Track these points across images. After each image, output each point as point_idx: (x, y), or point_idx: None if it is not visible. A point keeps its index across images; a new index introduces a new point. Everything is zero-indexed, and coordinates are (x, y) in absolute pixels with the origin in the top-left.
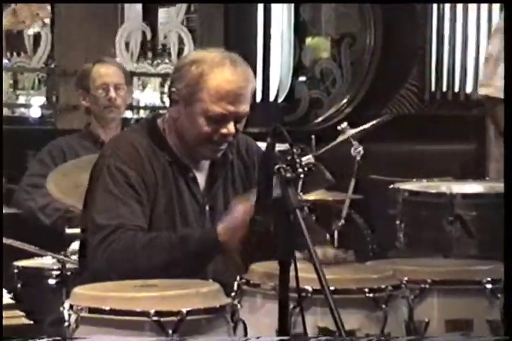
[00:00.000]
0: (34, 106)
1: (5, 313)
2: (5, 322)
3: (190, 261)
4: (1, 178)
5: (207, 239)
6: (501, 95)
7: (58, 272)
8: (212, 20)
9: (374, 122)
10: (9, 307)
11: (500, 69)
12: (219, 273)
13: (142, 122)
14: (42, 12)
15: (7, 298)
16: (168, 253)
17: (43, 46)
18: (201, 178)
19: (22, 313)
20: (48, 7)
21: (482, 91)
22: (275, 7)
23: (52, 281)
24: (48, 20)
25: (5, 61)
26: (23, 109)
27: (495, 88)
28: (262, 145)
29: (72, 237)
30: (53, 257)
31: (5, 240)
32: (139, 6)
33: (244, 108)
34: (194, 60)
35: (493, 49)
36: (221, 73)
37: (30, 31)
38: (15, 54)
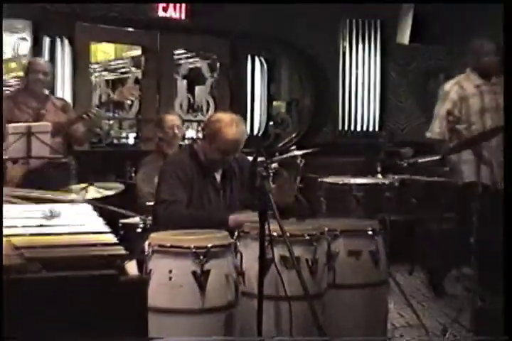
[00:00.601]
0: (130, 137)
1: (110, 248)
2: (110, 252)
3: (210, 226)
4: (1, 178)
5: (222, 221)
6: (438, 137)
7: (142, 225)
8: (224, 92)
9: (308, 150)
10: (113, 244)
11: (438, 123)
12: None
13: (185, 146)
14: (135, 92)
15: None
16: (200, 221)
17: (134, 107)
18: (218, 176)
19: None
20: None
21: (428, 135)
22: (257, 84)
23: (139, 230)
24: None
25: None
26: (124, 140)
27: (433, 133)
28: (250, 157)
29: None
30: (140, 218)
31: (115, 208)
32: (184, 84)
33: (241, 147)
34: (215, 119)
35: (439, 109)
36: (231, 130)
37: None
38: (120, 111)
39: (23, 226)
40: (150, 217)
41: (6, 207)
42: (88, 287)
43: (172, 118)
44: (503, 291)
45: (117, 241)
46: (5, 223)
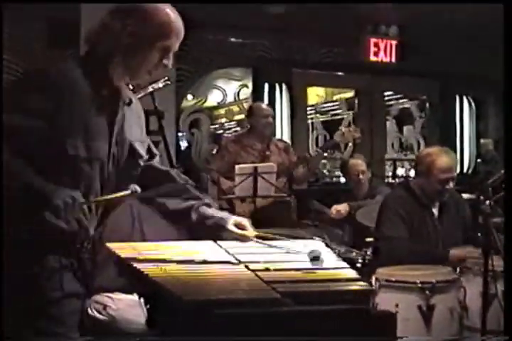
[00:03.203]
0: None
1: (354, 283)
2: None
3: (431, 260)
4: (1, 179)
5: (443, 256)
6: None
7: (361, 260)
8: (433, 131)
9: None
10: (356, 279)
11: None
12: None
13: (400, 183)
14: (357, 134)
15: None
16: (421, 255)
17: (349, 147)
18: (435, 211)
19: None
20: None
21: None
22: (465, 123)
23: (358, 265)
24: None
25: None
26: (336, 178)
27: None
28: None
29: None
30: (357, 253)
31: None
32: (394, 125)
33: (454, 175)
34: (426, 154)
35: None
36: (443, 159)
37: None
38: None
39: (266, 262)
40: (368, 252)
41: (240, 242)
42: (340, 320)
43: (356, 163)
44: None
45: (359, 277)
46: (247, 258)
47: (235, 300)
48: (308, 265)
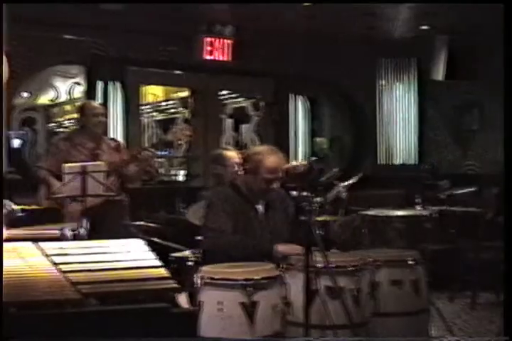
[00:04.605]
0: (180, 175)
1: (162, 282)
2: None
3: (256, 254)
4: (1, 182)
5: (268, 250)
6: None
7: (193, 259)
8: (268, 129)
9: (353, 180)
10: (165, 278)
11: None
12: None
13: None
14: (188, 132)
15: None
16: (246, 248)
17: (184, 147)
18: (261, 209)
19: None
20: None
21: None
22: (300, 121)
23: (190, 263)
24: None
25: (165, 153)
26: (174, 177)
27: None
28: (294, 192)
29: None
30: (190, 251)
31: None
32: (231, 123)
33: (280, 175)
34: (254, 152)
35: None
36: (271, 159)
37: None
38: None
39: (79, 262)
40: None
41: (61, 243)
42: (142, 319)
43: (232, 155)
44: (503, 291)
45: (169, 275)
46: (61, 259)
47: (36, 302)
48: (124, 265)
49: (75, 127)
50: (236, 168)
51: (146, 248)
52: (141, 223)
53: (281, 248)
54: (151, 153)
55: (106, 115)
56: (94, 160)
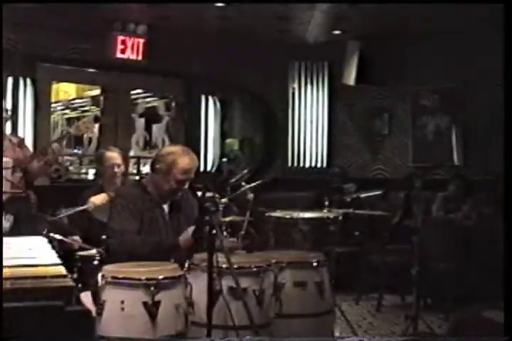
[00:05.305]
0: (90, 173)
1: (59, 280)
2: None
3: (162, 253)
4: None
5: (172, 243)
6: None
7: (99, 258)
8: (179, 130)
9: (259, 182)
10: (63, 276)
11: None
12: (176, 258)
13: (134, 181)
14: (91, 126)
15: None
16: (152, 246)
17: (93, 144)
18: (166, 209)
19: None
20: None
21: None
22: (211, 122)
23: (95, 262)
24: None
25: (75, 151)
26: (84, 175)
27: None
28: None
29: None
30: (96, 250)
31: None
32: (142, 123)
33: (192, 176)
34: (168, 152)
35: None
36: (185, 160)
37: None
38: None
39: None
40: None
41: None
42: (36, 317)
43: (112, 156)
44: (503, 291)
45: (66, 274)
46: None
47: None
48: (23, 262)
49: None
50: (116, 169)
51: (48, 245)
52: (51, 218)
53: (184, 235)
54: (59, 146)
55: (7, 111)
56: None
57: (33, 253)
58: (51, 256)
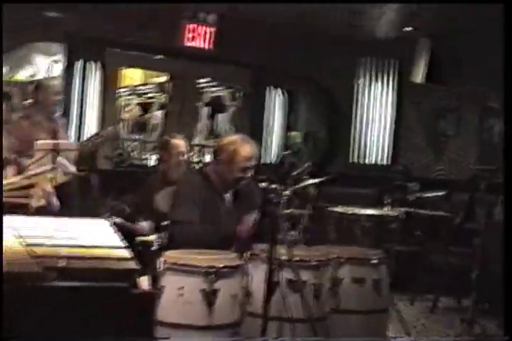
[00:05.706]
0: (152, 159)
1: (124, 262)
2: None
3: (222, 242)
4: (1, 179)
5: (232, 233)
6: None
7: (158, 243)
8: (244, 120)
9: (325, 177)
10: (127, 259)
11: None
12: (236, 248)
13: (197, 170)
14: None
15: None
16: (211, 235)
17: (157, 132)
18: (228, 198)
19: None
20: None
21: None
22: (276, 114)
23: (154, 248)
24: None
25: (138, 136)
26: (145, 161)
27: None
28: (264, 184)
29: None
30: (157, 235)
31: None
32: (207, 112)
33: (254, 163)
34: (228, 142)
35: None
36: (246, 148)
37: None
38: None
39: (45, 237)
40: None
41: (24, 217)
42: (100, 298)
43: (178, 144)
44: (503, 291)
45: (131, 257)
46: (25, 233)
47: None
48: (87, 243)
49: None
50: (181, 157)
51: (111, 229)
52: (113, 203)
53: (244, 224)
54: (114, 129)
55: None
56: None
57: (97, 235)
58: (115, 239)
